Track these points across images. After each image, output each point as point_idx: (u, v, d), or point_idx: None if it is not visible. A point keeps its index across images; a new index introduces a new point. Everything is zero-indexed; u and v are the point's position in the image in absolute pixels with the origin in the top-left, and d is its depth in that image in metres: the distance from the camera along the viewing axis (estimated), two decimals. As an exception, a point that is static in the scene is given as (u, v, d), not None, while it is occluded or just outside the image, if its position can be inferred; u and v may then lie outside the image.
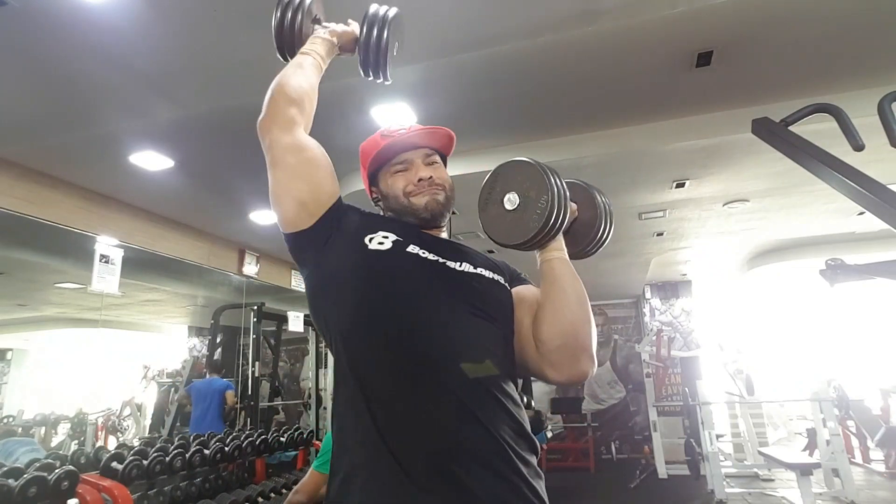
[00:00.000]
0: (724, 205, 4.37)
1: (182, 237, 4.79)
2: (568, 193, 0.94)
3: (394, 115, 2.98)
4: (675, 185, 3.89)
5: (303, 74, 1.04)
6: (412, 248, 0.93)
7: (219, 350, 6.77)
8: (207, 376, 5.36)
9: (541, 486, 0.84)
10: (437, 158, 1.08)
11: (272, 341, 6.84)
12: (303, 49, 1.12)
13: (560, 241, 0.96)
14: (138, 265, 4.70)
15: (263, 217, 4.63)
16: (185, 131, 3.15)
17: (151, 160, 3.45)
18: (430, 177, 1.03)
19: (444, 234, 1.08)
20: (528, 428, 0.87)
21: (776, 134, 1.75)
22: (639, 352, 7.06)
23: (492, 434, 0.80)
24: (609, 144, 3.32)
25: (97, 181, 3.86)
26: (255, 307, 5.52)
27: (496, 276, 0.98)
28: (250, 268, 5.54)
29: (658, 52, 2.52)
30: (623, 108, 3.08)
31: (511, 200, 0.94)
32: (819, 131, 1.76)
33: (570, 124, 3.26)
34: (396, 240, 0.93)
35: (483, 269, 0.97)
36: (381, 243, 0.92)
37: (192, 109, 2.87)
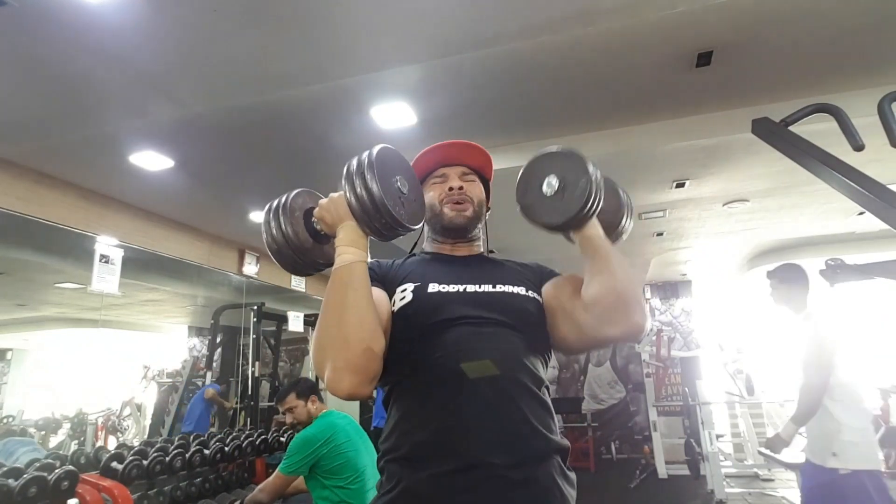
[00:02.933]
0: (724, 205, 4.37)
1: (182, 237, 4.79)
2: (602, 180, 0.99)
3: (394, 115, 2.98)
4: (675, 185, 3.89)
5: (340, 313, 0.85)
6: (432, 287, 0.98)
7: (219, 350, 6.77)
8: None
9: (569, 479, 0.89)
10: (475, 178, 1.14)
11: (272, 341, 6.84)
12: (336, 260, 0.92)
13: (595, 220, 1.00)
14: (138, 265, 4.70)
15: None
16: (185, 131, 3.15)
17: (151, 160, 3.45)
18: (461, 187, 1.09)
19: (478, 246, 1.14)
20: (554, 428, 0.92)
21: (776, 134, 1.75)
22: (639, 352, 7.06)
23: (520, 431, 0.86)
24: (609, 144, 3.32)
25: (97, 181, 3.85)
26: (255, 307, 5.53)
27: (517, 290, 1.01)
28: (250, 268, 5.54)
29: (658, 52, 2.52)
30: (623, 108, 3.08)
31: (551, 185, 0.98)
32: (819, 131, 1.76)
33: (569, 124, 3.26)
34: (416, 286, 0.98)
35: (503, 286, 1.01)
36: (403, 299, 0.97)
37: (192, 109, 2.86)
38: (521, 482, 0.83)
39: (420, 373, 0.91)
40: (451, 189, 1.08)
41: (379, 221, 0.89)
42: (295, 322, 6.17)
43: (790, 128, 1.75)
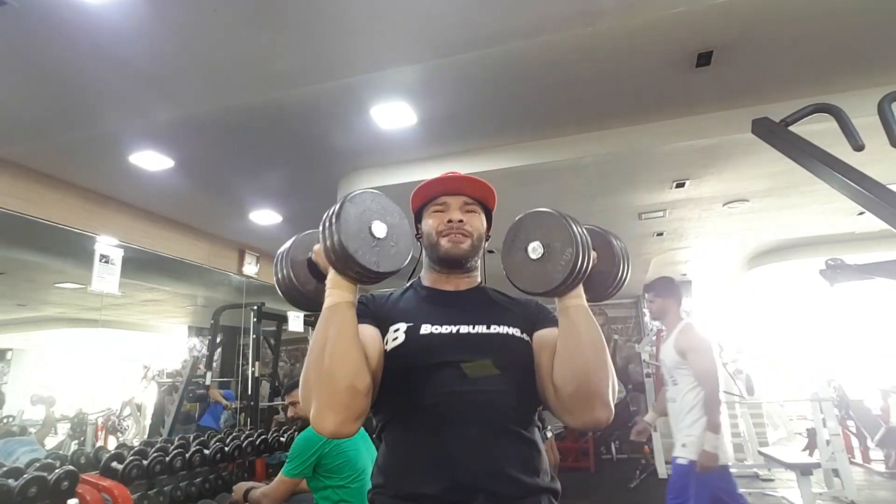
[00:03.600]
0: (724, 205, 4.37)
1: (182, 237, 4.79)
2: (590, 243, 0.96)
3: (394, 115, 2.98)
4: (675, 185, 3.89)
5: (324, 352, 0.86)
6: (424, 329, 0.98)
7: (219, 350, 6.77)
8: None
9: None
10: (477, 209, 1.12)
11: (272, 341, 6.84)
12: (325, 301, 0.92)
13: (580, 288, 0.97)
14: (138, 265, 4.70)
15: (263, 217, 4.63)
16: (185, 131, 3.15)
17: (151, 160, 3.45)
18: (461, 220, 1.07)
19: (475, 277, 1.13)
20: (541, 468, 0.94)
21: (776, 134, 1.76)
22: (639, 352, 7.06)
23: (503, 471, 0.88)
24: (609, 144, 3.32)
25: (97, 181, 3.86)
26: (255, 307, 5.52)
27: (511, 331, 1.01)
28: (250, 268, 5.54)
29: (658, 52, 2.52)
30: (623, 108, 3.08)
31: (535, 249, 0.96)
32: (819, 131, 1.76)
33: (570, 124, 3.26)
34: (408, 327, 0.99)
35: (498, 326, 1.01)
36: (395, 339, 0.98)
37: (192, 109, 2.87)
38: None
39: (410, 414, 0.93)
40: (450, 221, 1.07)
41: (352, 270, 0.88)
42: (295, 322, 6.17)
43: (790, 128, 1.75)
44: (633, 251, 5.92)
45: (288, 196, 4.19)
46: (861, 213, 4.53)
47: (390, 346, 0.97)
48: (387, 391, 0.94)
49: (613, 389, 0.91)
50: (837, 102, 1.66)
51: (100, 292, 3.80)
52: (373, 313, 1.01)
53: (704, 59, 2.55)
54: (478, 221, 1.11)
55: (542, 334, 1.01)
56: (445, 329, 0.98)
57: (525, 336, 1.01)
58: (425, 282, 1.13)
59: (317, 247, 0.96)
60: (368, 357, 0.89)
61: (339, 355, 0.84)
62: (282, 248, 1.03)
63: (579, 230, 0.94)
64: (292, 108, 2.90)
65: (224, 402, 5.59)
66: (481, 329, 0.99)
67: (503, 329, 1.00)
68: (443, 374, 0.93)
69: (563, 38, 2.38)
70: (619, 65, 2.62)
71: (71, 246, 4.22)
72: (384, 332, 0.99)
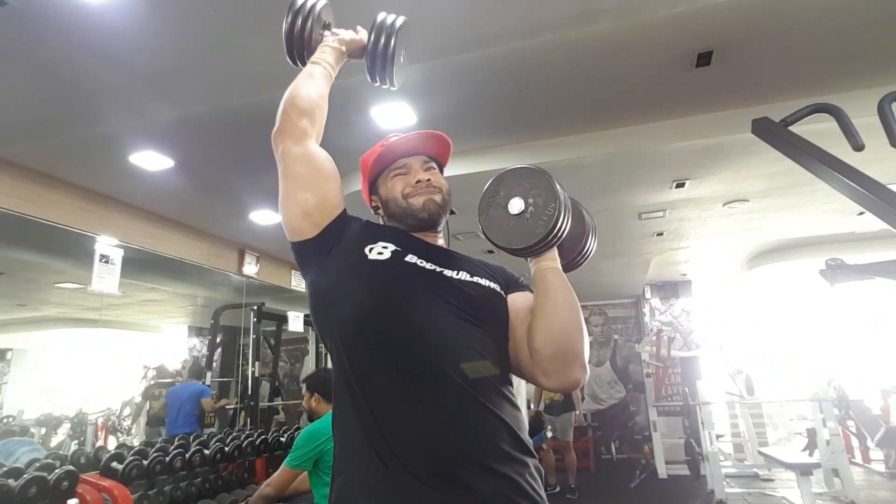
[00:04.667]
0: (724, 205, 4.37)
1: (182, 237, 4.79)
2: (570, 204, 0.96)
3: (394, 115, 2.98)
4: (675, 185, 3.89)
5: (313, 85, 1.07)
6: (410, 258, 0.96)
7: (219, 350, 6.77)
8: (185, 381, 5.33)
9: (539, 484, 0.86)
10: (434, 165, 1.11)
11: (272, 341, 6.84)
12: (312, 58, 1.14)
13: (554, 252, 0.98)
14: (138, 265, 4.70)
15: (263, 217, 4.63)
16: (185, 131, 3.15)
17: (151, 160, 3.45)
18: (428, 179, 1.05)
19: (441, 241, 1.09)
20: (524, 428, 0.89)
21: (776, 134, 1.75)
22: (639, 352, 7.06)
23: (488, 435, 0.83)
24: (609, 144, 3.32)
25: (97, 181, 3.85)
26: (255, 307, 5.53)
27: (492, 285, 0.99)
28: (250, 268, 5.54)
29: (658, 51, 2.52)
30: (623, 108, 3.08)
31: (516, 205, 0.94)
32: (819, 131, 1.76)
33: (570, 124, 3.26)
34: (395, 249, 0.96)
35: (479, 278, 0.99)
36: (380, 253, 0.94)
37: (192, 109, 2.86)
38: (500, 475, 0.81)
39: (391, 359, 0.86)
40: (418, 182, 1.04)
41: (384, 65, 1.16)
42: (295, 322, 6.17)
43: (790, 128, 1.75)
44: (633, 251, 5.96)
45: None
46: (861, 213, 4.53)
47: (373, 256, 0.94)
48: (363, 311, 0.89)
49: (587, 350, 0.91)
50: (837, 102, 1.66)
51: (100, 292, 3.80)
52: (357, 228, 1.02)
53: (704, 59, 2.55)
54: (441, 178, 1.08)
55: (516, 296, 1.00)
56: (429, 266, 0.95)
57: (503, 293, 1.00)
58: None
59: (350, 36, 1.19)
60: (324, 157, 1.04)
61: (310, 87, 1.06)
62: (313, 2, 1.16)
63: (561, 188, 0.94)
64: (292, 108, 2.89)
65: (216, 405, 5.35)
66: (464, 276, 0.97)
67: (483, 282, 0.98)
68: (426, 316, 0.88)
69: (563, 38, 2.38)
70: (619, 65, 2.62)
71: (71, 246, 4.22)
72: (365, 243, 0.96)
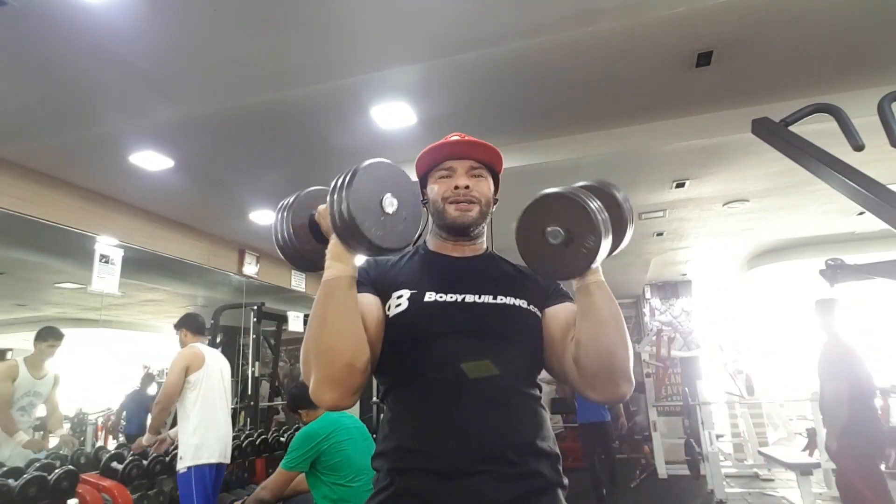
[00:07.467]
0: (724, 205, 4.38)
1: (182, 237, 4.79)
2: (609, 224, 0.89)
3: (394, 115, 2.98)
4: (675, 185, 3.89)
5: (322, 327, 0.86)
6: (429, 297, 0.96)
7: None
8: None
9: (556, 491, 0.90)
10: (484, 172, 1.08)
11: (272, 341, 6.83)
12: (324, 273, 0.91)
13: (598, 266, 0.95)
14: (138, 265, 4.70)
15: (263, 217, 4.63)
16: (185, 131, 3.15)
17: (151, 160, 3.45)
18: (468, 186, 1.03)
19: (481, 244, 1.10)
20: (547, 435, 0.93)
21: (776, 134, 1.75)
22: (639, 352, 7.05)
23: (508, 440, 0.87)
24: (609, 144, 3.32)
25: (97, 181, 3.85)
26: (255, 307, 5.52)
27: (518, 302, 0.99)
28: (250, 268, 5.54)
29: (658, 52, 2.52)
30: (623, 108, 3.08)
31: (555, 234, 0.89)
32: (819, 131, 1.76)
33: (570, 124, 3.26)
34: (412, 294, 0.96)
35: (504, 297, 0.98)
36: (398, 306, 0.95)
37: (192, 109, 2.87)
38: (516, 476, 0.85)
39: (414, 383, 0.92)
40: (456, 188, 1.03)
41: (354, 240, 0.86)
42: (295, 322, 6.16)
43: (790, 128, 1.74)
44: (632, 251, 5.95)
45: (288, 196, 4.17)
46: (861, 213, 4.53)
47: (393, 312, 0.95)
48: (389, 359, 0.92)
49: (632, 362, 0.91)
50: (837, 102, 1.66)
51: (100, 292, 3.80)
52: (373, 280, 0.99)
53: (704, 59, 2.55)
54: (485, 186, 1.06)
55: (556, 309, 1.00)
56: (450, 297, 0.96)
57: (533, 308, 0.99)
58: (430, 246, 1.10)
59: (322, 208, 0.96)
60: (368, 328, 0.89)
61: (338, 333, 0.84)
62: (284, 202, 1.01)
63: (601, 216, 0.87)
64: (292, 108, 2.90)
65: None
66: (487, 299, 0.97)
67: (510, 300, 0.98)
68: (447, 344, 0.91)
69: (564, 38, 2.38)
70: (619, 65, 2.62)
71: (71, 246, 4.22)
72: (386, 299, 0.97)
